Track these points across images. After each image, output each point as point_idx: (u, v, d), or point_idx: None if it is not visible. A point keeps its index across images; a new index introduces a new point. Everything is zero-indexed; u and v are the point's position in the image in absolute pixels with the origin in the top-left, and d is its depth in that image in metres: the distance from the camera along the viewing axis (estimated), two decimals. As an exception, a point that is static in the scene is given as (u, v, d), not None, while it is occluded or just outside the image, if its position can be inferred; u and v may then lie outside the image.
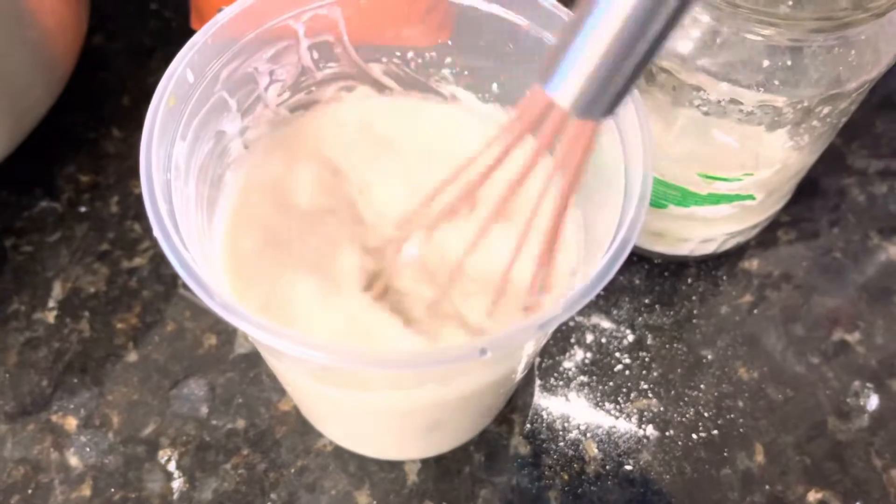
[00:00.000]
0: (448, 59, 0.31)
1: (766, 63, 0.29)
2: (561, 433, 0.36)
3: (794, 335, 0.39)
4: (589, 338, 0.39)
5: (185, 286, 0.22)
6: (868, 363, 0.39)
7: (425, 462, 0.35)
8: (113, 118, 0.45)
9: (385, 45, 0.31)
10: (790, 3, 0.27)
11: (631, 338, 0.39)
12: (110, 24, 0.48)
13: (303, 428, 0.36)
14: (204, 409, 0.36)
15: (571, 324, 0.39)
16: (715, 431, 0.37)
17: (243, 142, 0.30)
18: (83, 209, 0.42)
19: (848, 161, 0.45)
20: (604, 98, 0.21)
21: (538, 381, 0.38)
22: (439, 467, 0.35)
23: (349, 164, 0.32)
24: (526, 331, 0.22)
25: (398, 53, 0.31)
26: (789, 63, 0.29)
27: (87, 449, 0.35)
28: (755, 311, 0.40)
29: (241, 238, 0.30)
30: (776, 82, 0.29)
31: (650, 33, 0.19)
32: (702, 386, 0.38)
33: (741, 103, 0.30)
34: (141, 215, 0.41)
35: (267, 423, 0.36)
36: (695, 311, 0.40)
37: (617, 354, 0.38)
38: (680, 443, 0.36)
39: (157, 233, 0.22)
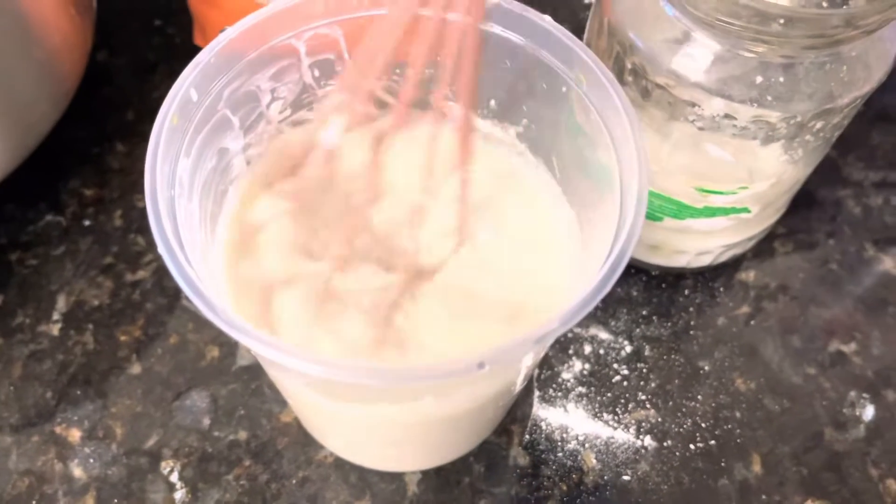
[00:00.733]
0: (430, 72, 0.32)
1: (759, 79, 0.30)
2: (559, 444, 0.37)
3: (790, 346, 0.40)
4: (587, 349, 0.39)
5: (187, 299, 0.22)
6: (864, 374, 0.39)
7: (425, 473, 0.36)
8: (117, 133, 0.45)
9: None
10: (782, 21, 0.27)
11: (629, 349, 0.39)
12: (114, 40, 0.49)
13: (304, 439, 0.36)
14: (206, 421, 0.37)
15: (570, 335, 0.39)
16: (712, 442, 0.37)
17: (246, 158, 0.31)
18: (87, 223, 0.42)
19: (844, 173, 0.46)
20: None
21: (537, 393, 0.38)
22: (439, 478, 0.36)
23: (348, 177, 0.32)
24: (524, 344, 0.22)
25: (397, 70, 0.32)
26: (782, 79, 0.29)
27: (91, 460, 0.35)
28: (752, 323, 0.40)
29: (243, 253, 0.30)
30: (769, 98, 0.30)
31: None
32: (699, 397, 0.38)
33: (735, 118, 0.30)
34: (144, 229, 0.42)
35: (269, 434, 0.36)
36: (692, 323, 0.40)
37: (615, 366, 0.39)
38: (678, 453, 0.37)
39: (161, 250, 0.22)
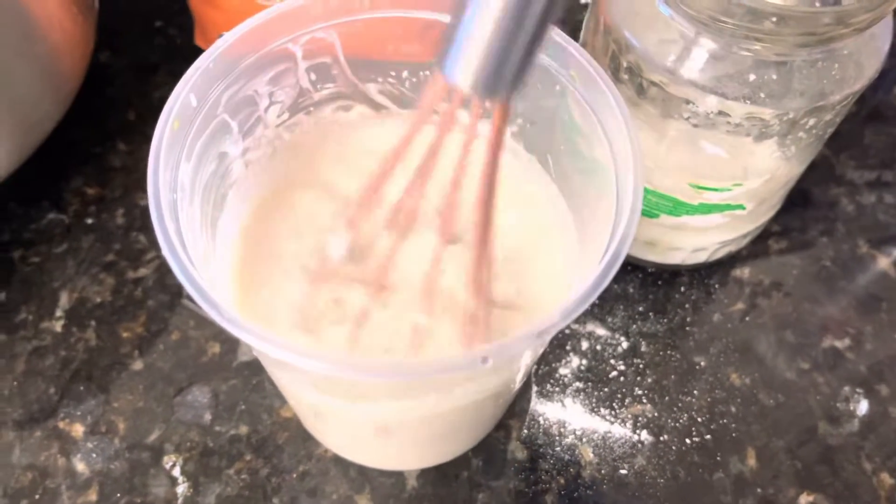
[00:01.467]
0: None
1: (752, 77, 0.30)
2: (557, 438, 0.37)
3: (785, 342, 0.40)
4: (584, 345, 0.40)
5: (188, 296, 0.23)
6: (858, 369, 0.39)
7: (424, 467, 0.36)
8: (119, 132, 0.46)
9: (385, 60, 0.32)
10: (774, 19, 0.28)
11: (625, 345, 0.40)
12: (116, 41, 0.49)
13: (304, 434, 0.37)
14: (207, 416, 0.37)
15: (567, 331, 0.40)
16: (708, 436, 0.37)
17: (244, 162, 0.31)
18: (90, 221, 0.42)
19: (837, 172, 0.46)
20: (504, 75, 0.20)
21: (535, 388, 0.38)
22: (438, 472, 0.36)
23: (346, 181, 0.33)
24: (525, 339, 0.22)
25: (393, 73, 0.32)
26: (775, 77, 0.30)
27: (94, 455, 0.36)
28: (747, 319, 0.41)
29: (245, 254, 0.31)
30: (762, 95, 0.30)
31: (536, 4, 0.19)
32: (695, 392, 0.38)
33: (729, 115, 0.31)
34: (146, 227, 0.42)
35: (269, 429, 0.37)
36: (688, 319, 0.41)
37: (612, 361, 0.39)
38: (674, 447, 0.37)
39: (165, 251, 0.23)
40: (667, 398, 0.38)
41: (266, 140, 0.32)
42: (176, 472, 0.36)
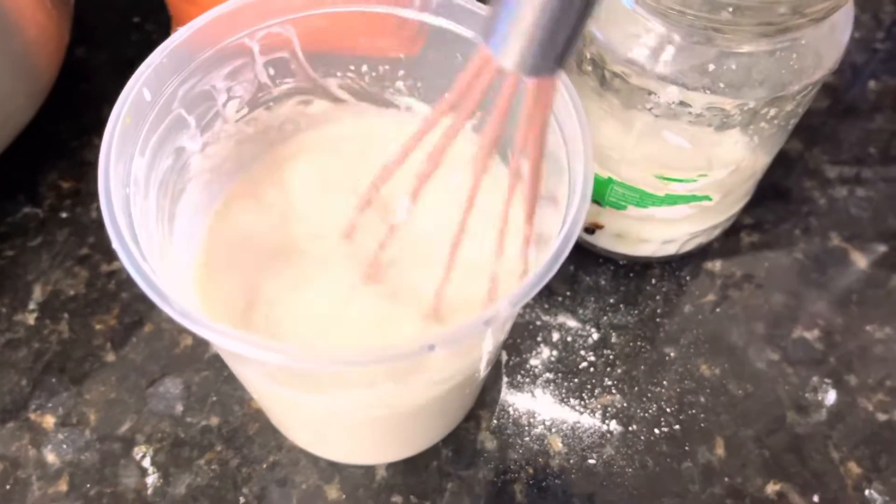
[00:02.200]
0: (401, 72, 0.33)
1: (712, 67, 0.30)
2: (527, 428, 0.37)
3: (755, 333, 0.40)
4: (555, 336, 0.40)
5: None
6: (826, 360, 0.40)
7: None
8: (94, 127, 0.46)
9: (345, 55, 0.32)
10: (731, 9, 0.28)
11: (596, 336, 0.40)
12: (93, 36, 0.50)
13: (274, 425, 0.37)
14: (179, 407, 0.37)
15: (538, 323, 0.40)
16: (677, 426, 0.38)
17: (203, 156, 0.31)
18: (64, 215, 0.43)
19: (810, 165, 0.47)
20: (550, 52, 0.21)
21: (505, 378, 0.39)
22: (408, 462, 0.36)
23: (312, 174, 0.33)
24: (473, 326, 0.22)
25: (352, 67, 0.32)
26: (734, 67, 0.30)
27: (64, 446, 0.36)
28: (718, 311, 0.41)
29: (209, 246, 0.31)
30: (722, 85, 0.30)
31: None
32: (664, 382, 0.39)
33: (690, 106, 0.31)
34: None
35: (240, 420, 0.37)
36: (658, 311, 0.41)
37: (582, 352, 0.39)
38: (643, 437, 0.37)
39: (115, 245, 0.23)
40: (636, 389, 0.38)
41: (226, 135, 0.32)
42: (146, 462, 0.36)
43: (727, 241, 0.43)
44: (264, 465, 0.36)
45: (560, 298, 0.41)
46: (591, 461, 0.37)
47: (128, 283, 0.41)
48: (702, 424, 0.38)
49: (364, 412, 0.30)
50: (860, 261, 0.43)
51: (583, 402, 0.38)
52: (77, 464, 0.36)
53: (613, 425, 0.37)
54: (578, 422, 0.38)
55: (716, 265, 0.43)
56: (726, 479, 0.36)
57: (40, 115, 0.41)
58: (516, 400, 0.38)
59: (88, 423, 0.37)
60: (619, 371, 0.39)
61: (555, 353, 0.39)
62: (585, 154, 0.25)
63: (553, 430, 0.37)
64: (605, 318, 0.41)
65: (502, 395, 0.38)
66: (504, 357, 0.39)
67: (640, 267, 0.42)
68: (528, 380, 0.39)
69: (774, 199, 0.45)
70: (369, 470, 0.36)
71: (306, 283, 0.30)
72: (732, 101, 0.31)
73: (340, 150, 0.34)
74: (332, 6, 0.29)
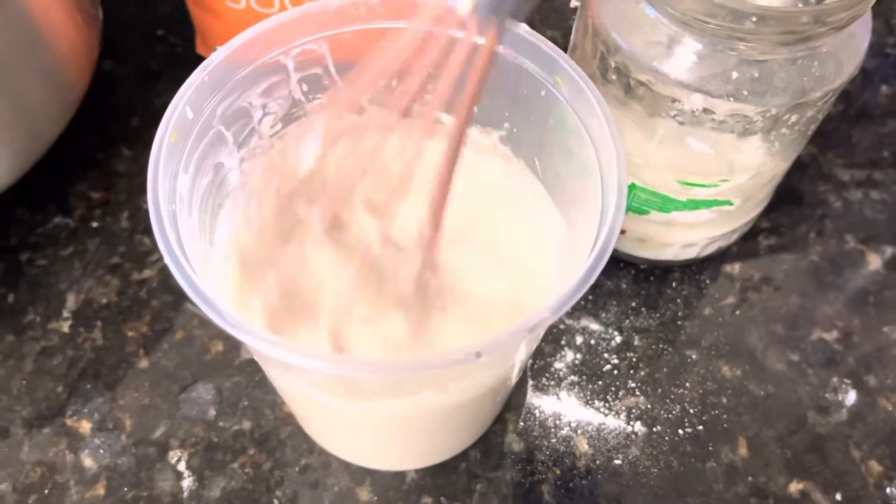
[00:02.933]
0: (430, 86, 0.33)
1: (735, 75, 0.31)
2: (553, 430, 0.38)
3: (775, 335, 0.41)
4: (578, 340, 0.41)
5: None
6: (846, 360, 0.40)
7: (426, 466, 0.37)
8: (123, 138, 0.47)
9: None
10: (754, 19, 0.29)
11: (619, 339, 0.41)
12: (120, 49, 0.50)
13: (306, 432, 0.37)
14: (212, 412, 0.38)
15: (562, 326, 0.41)
16: (700, 427, 0.38)
17: (240, 172, 0.32)
18: (95, 224, 0.44)
19: (825, 169, 0.47)
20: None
21: (531, 382, 0.39)
22: (437, 464, 0.37)
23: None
24: (517, 333, 0.23)
25: (383, 81, 0.33)
26: (757, 74, 0.31)
27: (101, 451, 0.37)
28: (737, 313, 0.42)
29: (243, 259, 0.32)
30: (745, 92, 0.31)
31: None
32: (687, 384, 0.39)
33: (713, 113, 0.32)
34: (150, 230, 0.42)
35: (272, 424, 0.38)
36: (679, 314, 0.42)
37: (605, 355, 0.40)
38: (667, 438, 0.38)
39: (168, 261, 0.24)
40: (659, 390, 0.39)
41: (261, 150, 0.32)
42: (181, 466, 0.36)
43: (745, 245, 0.44)
44: (296, 469, 0.37)
45: (582, 302, 0.42)
46: (617, 462, 0.37)
47: (158, 290, 0.41)
48: (724, 425, 0.38)
49: (401, 419, 0.31)
50: (876, 262, 0.44)
51: (607, 404, 0.39)
52: (114, 468, 0.36)
53: (638, 426, 0.38)
54: (603, 423, 0.38)
55: (735, 268, 0.43)
56: (750, 478, 0.37)
57: (69, 127, 0.42)
58: (542, 403, 0.39)
59: (124, 428, 0.37)
60: (642, 373, 0.40)
61: (578, 356, 0.40)
62: (619, 167, 0.26)
63: (579, 431, 0.38)
64: (627, 321, 0.41)
65: (528, 397, 0.39)
66: (529, 361, 0.40)
67: (661, 271, 0.43)
68: (553, 383, 0.39)
69: (790, 202, 0.46)
70: (400, 472, 0.37)
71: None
72: (755, 108, 0.31)
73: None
74: (362, 23, 0.30)
